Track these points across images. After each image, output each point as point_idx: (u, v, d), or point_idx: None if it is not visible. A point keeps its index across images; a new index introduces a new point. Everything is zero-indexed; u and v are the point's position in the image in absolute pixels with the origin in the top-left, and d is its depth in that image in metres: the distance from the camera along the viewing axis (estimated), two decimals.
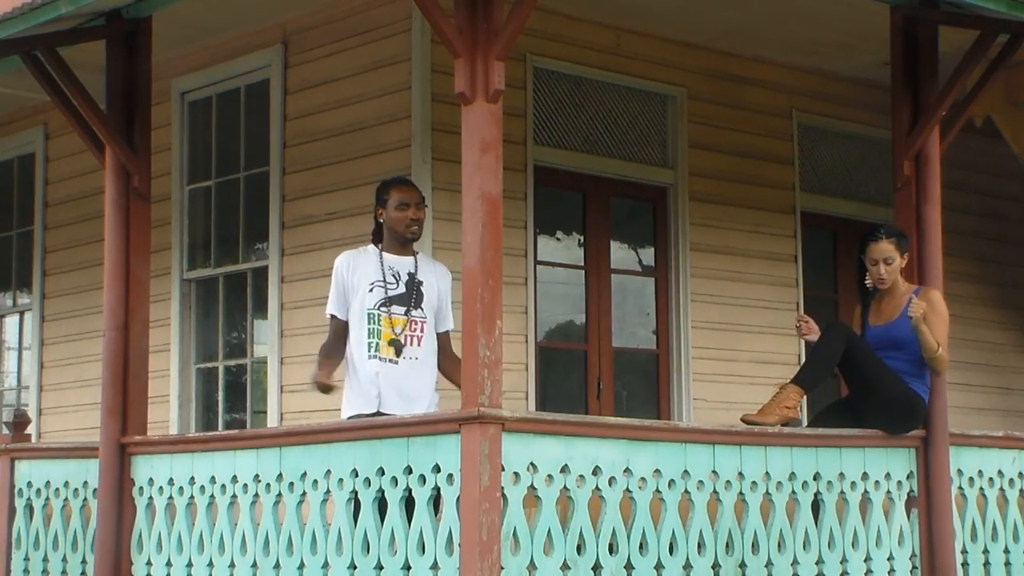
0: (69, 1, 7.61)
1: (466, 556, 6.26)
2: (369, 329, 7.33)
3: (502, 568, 6.30)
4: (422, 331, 7.38)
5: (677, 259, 10.35)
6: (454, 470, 6.40)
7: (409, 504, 6.76)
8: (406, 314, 7.36)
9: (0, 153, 12.45)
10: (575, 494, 6.63)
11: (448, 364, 7.47)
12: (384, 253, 7.47)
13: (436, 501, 6.67)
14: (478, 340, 6.35)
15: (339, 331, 7.44)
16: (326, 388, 7.27)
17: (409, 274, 7.44)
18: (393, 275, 7.41)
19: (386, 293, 7.36)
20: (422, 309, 7.40)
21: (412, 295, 7.40)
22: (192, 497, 7.74)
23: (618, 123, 10.20)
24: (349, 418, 7.34)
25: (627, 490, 6.81)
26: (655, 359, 10.38)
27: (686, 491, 7.04)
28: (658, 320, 10.39)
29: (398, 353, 7.30)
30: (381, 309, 7.34)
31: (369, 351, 7.32)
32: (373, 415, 7.26)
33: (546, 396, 9.69)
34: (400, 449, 6.69)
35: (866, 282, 8.07)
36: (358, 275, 7.40)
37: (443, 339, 7.52)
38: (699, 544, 7.07)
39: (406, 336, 7.34)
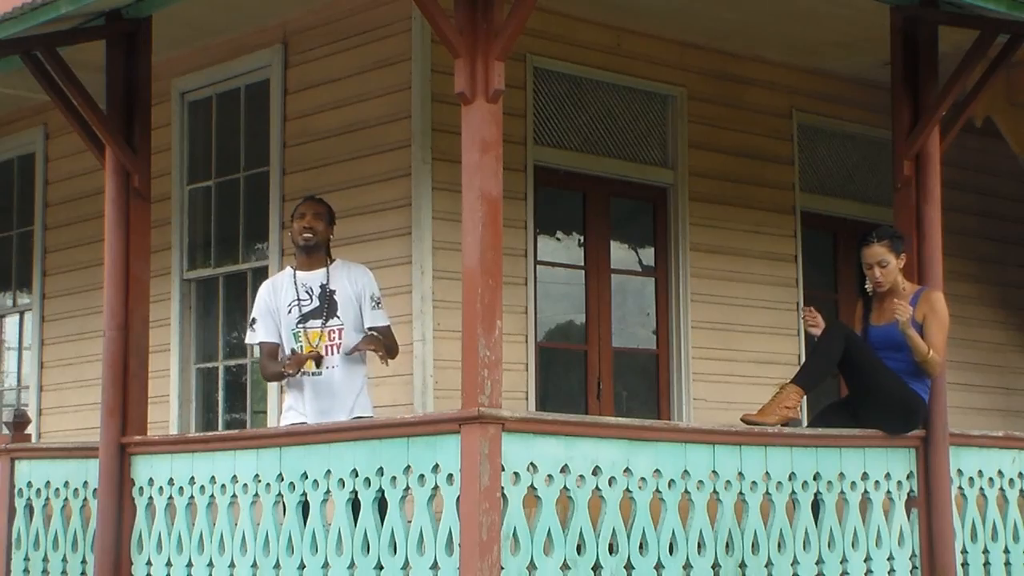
0: (69, 1, 7.62)
1: (466, 556, 6.26)
2: (296, 348, 7.65)
3: (502, 568, 6.30)
4: (340, 338, 7.66)
5: (677, 259, 10.35)
6: (454, 470, 6.40)
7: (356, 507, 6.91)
8: (322, 326, 7.63)
9: (0, 153, 12.44)
10: (575, 494, 6.63)
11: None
12: (297, 272, 7.78)
13: (382, 504, 6.79)
14: (478, 340, 6.36)
15: (272, 353, 7.76)
16: (316, 358, 7.50)
17: (321, 286, 7.72)
18: (307, 291, 7.71)
19: (300, 311, 7.68)
20: (337, 317, 7.68)
21: (325, 307, 7.67)
22: (192, 497, 7.74)
23: (618, 123, 10.19)
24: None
25: (627, 490, 6.81)
26: (655, 359, 10.37)
27: (686, 491, 7.03)
28: (658, 320, 10.38)
29: (319, 365, 7.60)
30: (299, 326, 7.67)
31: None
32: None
33: (546, 396, 9.69)
34: (400, 449, 6.69)
35: (865, 287, 8.06)
36: (280, 299, 7.73)
37: (381, 332, 7.74)
38: (699, 544, 7.07)
39: (325, 346, 7.63)
